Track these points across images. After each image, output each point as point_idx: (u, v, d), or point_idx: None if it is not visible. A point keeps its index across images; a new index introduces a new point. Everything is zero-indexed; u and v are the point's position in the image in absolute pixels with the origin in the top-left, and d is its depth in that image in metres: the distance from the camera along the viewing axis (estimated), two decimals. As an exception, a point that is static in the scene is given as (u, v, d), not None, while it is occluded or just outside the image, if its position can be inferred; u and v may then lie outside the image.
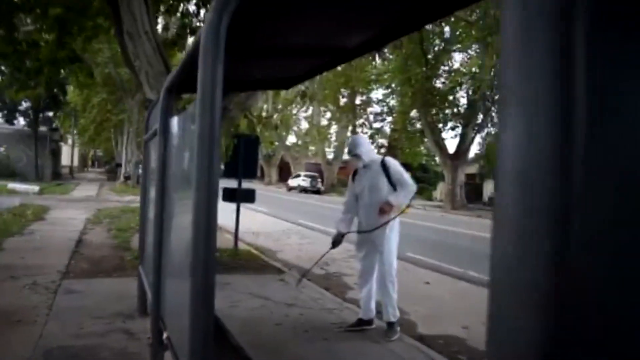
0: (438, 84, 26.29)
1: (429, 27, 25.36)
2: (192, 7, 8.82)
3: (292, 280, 7.00)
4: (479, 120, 26.92)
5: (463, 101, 27.12)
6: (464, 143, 26.92)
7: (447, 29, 25.26)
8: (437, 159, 32.00)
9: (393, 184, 4.53)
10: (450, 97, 26.59)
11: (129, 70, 7.84)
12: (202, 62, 1.82)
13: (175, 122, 3.06)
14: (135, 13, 6.36)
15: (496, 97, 25.14)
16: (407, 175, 4.62)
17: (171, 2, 8.60)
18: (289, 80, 4.92)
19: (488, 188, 32.85)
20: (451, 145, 27.29)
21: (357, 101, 35.92)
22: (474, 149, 28.98)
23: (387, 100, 35.49)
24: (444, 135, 27.79)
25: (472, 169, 34.20)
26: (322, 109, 39.50)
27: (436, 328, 5.26)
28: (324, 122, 41.44)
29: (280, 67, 4.35)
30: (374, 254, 4.65)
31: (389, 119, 35.56)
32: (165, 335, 2.97)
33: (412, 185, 4.61)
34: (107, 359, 3.71)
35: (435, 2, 2.81)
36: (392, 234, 4.61)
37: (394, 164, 4.66)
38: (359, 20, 3.17)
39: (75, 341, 4.03)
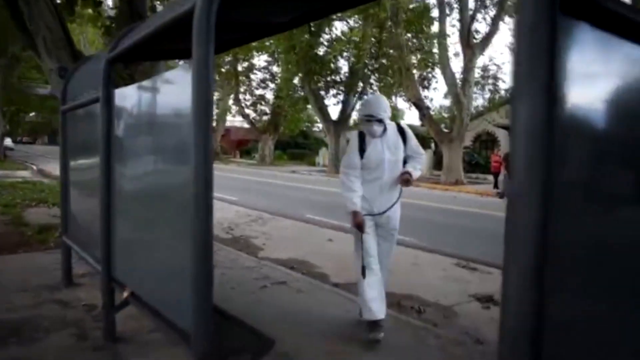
0: (321, 51, 26.97)
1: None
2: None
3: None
4: (360, 88, 28.17)
5: (345, 69, 28.16)
6: (346, 109, 28.12)
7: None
8: (319, 125, 32.98)
9: (407, 154, 3.92)
10: (332, 65, 27.46)
11: (20, 35, 7.34)
12: (196, 42, 2.07)
13: (126, 93, 3.20)
14: (30, -25, 6.02)
15: (376, 66, 26.44)
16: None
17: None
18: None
19: (368, 152, 34.63)
20: (334, 112, 28.38)
21: (240, 68, 35.59)
22: (355, 115, 30.33)
23: (270, 67, 35.69)
24: (326, 102, 28.80)
25: (353, 135, 35.77)
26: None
27: (346, 277, 5.85)
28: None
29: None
30: (381, 237, 3.92)
31: (272, 85, 35.82)
32: (126, 292, 3.18)
33: (424, 155, 4.04)
34: (51, 328, 3.77)
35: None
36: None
37: (409, 129, 4.00)
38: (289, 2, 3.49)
39: (10, 315, 4.01)
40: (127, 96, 3.16)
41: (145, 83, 2.93)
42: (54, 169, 23.54)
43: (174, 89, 2.56)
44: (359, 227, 3.72)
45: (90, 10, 8.44)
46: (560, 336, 1.27)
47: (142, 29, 2.94)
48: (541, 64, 1.04)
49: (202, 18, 2.05)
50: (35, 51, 6.77)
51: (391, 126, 3.88)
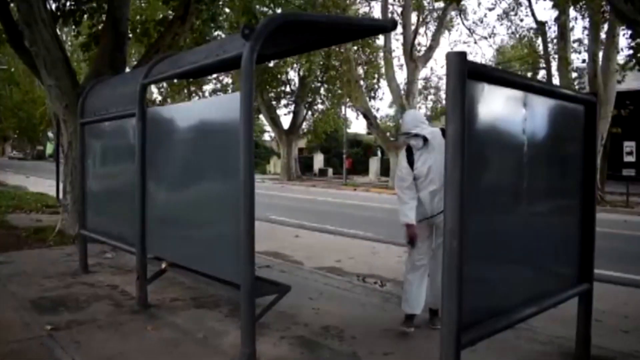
0: (272, 63, 27.98)
1: (259, 7, 26.81)
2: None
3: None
4: (310, 98, 29.37)
5: (296, 80, 29.30)
6: (297, 119, 29.27)
7: (278, 10, 26.91)
8: (269, 135, 33.81)
9: None
10: (284, 77, 28.55)
11: (18, 55, 8.04)
12: (243, 79, 3.10)
13: (155, 112, 4.19)
14: (32, 2, 6.76)
15: (324, 77, 27.70)
16: None
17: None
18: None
19: (318, 160, 35.94)
20: (285, 121, 29.51)
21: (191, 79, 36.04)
22: (306, 125, 31.49)
23: (221, 78, 36.33)
24: (278, 112, 29.85)
25: (303, 143, 36.97)
26: (153, 86, 38.77)
27: (317, 263, 6.93)
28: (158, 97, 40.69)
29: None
30: (431, 240, 4.13)
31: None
32: (164, 264, 4.14)
33: None
34: (90, 300, 4.63)
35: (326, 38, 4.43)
36: None
37: None
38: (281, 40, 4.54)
39: (49, 293, 4.82)
40: (155, 114, 4.17)
41: (179, 105, 3.92)
42: (4, 178, 23.38)
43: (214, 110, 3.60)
44: (411, 241, 4.02)
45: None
46: (474, 287, 2.27)
47: (181, 63, 3.92)
48: (458, 104, 2.15)
49: (247, 63, 3.08)
50: (34, 70, 7.50)
51: (435, 133, 4.06)
